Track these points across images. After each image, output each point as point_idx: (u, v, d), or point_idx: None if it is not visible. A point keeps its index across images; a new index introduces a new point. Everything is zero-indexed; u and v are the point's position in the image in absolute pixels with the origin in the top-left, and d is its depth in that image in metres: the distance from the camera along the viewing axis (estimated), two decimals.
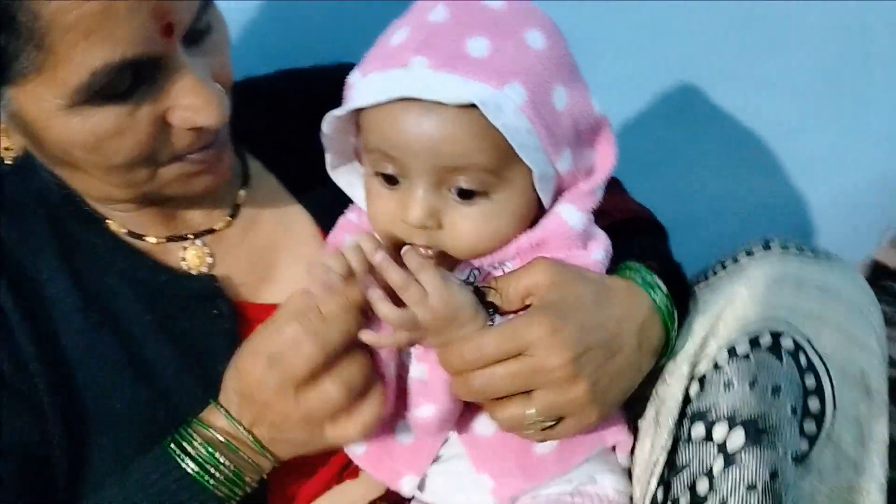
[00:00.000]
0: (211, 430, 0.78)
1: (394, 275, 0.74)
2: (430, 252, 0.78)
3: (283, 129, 0.99)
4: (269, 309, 0.89)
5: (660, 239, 0.97)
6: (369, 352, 0.78)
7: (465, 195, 0.76)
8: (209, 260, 0.91)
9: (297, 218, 0.97)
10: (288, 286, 0.91)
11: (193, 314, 0.87)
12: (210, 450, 0.77)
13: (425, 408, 0.79)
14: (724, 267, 0.87)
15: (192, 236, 0.92)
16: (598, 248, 0.81)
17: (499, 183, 0.76)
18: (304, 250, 0.95)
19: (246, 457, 0.78)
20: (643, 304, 0.80)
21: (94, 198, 0.87)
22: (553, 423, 0.76)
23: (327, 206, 0.93)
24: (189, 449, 0.77)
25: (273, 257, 0.94)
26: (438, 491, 0.84)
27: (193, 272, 0.90)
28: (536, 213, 0.81)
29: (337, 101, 0.80)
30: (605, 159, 0.82)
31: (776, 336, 0.79)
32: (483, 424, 0.81)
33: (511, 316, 0.78)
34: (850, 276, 0.85)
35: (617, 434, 0.83)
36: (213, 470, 0.77)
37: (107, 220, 0.89)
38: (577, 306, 0.76)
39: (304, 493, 0.88)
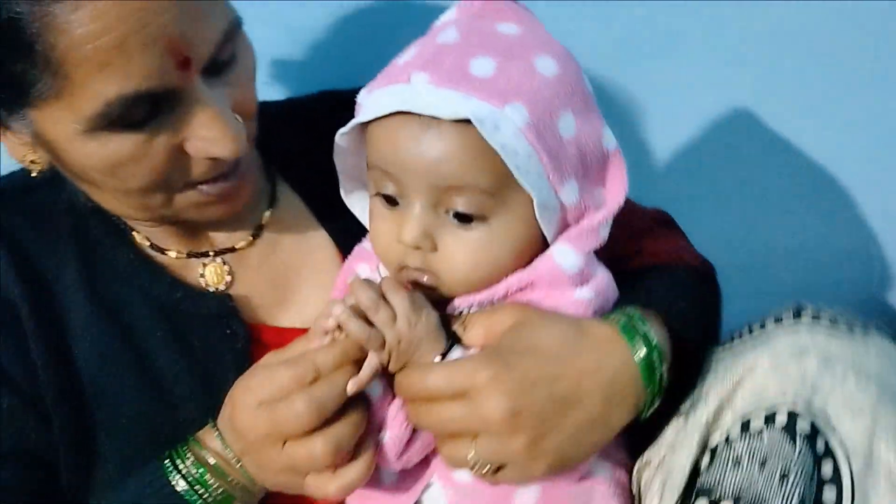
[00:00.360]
0: (205, 450, 0.78)
1: (363, 295, 0.73)
2: (424, 278, 0.77)
3: (315, 152, 0.98)
4: (284, 332, 0.90)
5: (693, 288, 0.89)
6: (366, 407, 0.76)
7: (463, 219, 0.74)
8: (228, 278, 0.92)
9: (319, 242, 0.96)
10: (306, 310, 0.92)
11: (207, 332, 0.88)
12: (201, 471, 0.77)
13: (382, 433, 0.77)
14: (750, 331, 0.81)
15: (212, 253, 0.92)
16: (589, 288, 0.77)
17: (498, 207, 0.74)
18: (324, 276, 0.94)
19: (235, 482, 0.78)
20: (618, 354, 0.75)
21: (117, 214, 0.88)
22: (495, 469, 0.73)
23: (351, 232, 0.92)
24: (181, 467, 0.78)
25: (292, 280, 0.94)
26: None
27: (211, 289, 0.91)
28: (539, 249, 0.78)
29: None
30: (613, 196, 0.78)
31: (793, 416, 0.73)
32: (462, 470, 0.78)
33: (471, 350, 0.76)
34: (889, 356, 0.77)
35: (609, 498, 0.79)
36: (201, 490, 0.77)
37: (132, 233, 0.91)
38: (532, 354, 0.73)
39: None
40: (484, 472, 0.73)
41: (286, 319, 0.92)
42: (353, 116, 0.80)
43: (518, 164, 0.71)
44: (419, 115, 0.72)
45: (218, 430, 0.78)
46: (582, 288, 0.77)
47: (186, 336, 0.87)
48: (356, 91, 1.03)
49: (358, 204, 0.86)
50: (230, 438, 0.77)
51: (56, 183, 0.86)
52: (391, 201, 0.77)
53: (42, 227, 0.88)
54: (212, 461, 0.78)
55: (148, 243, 0.91)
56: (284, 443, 0.74)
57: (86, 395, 0.84)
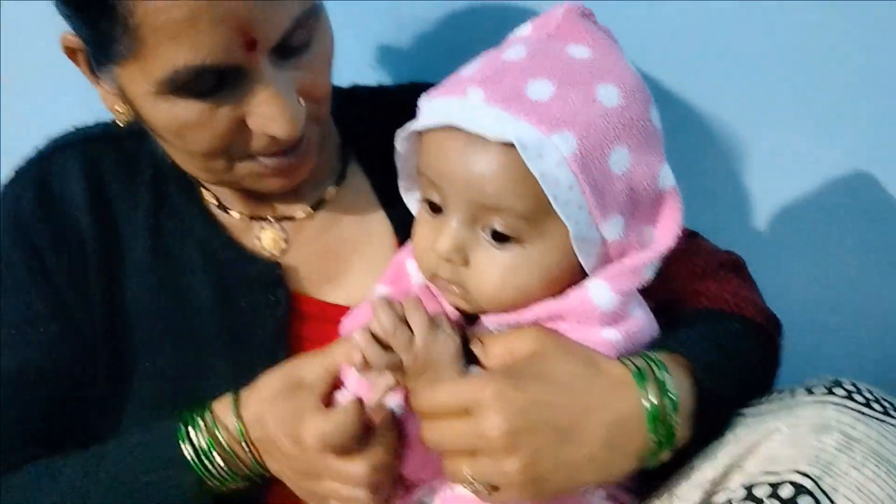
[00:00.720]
0: (218, 427, 0.80)
1: (383, 317, 0.74)
2: (457, 316, 0.78)
3: (391, 139, 1.00)
4: (327, 307, 0.93)
5: (741, 342, 0.84)
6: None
7: (498, 238, 0.74)
8: (283, 245, 0.96)
9: (378, 226, 0.98)
10: (352, 289, 0.95)
11: (252, 296, 0.91)
12: (210, 444, 0.80)
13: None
14: (779, 398, 0.78)
15: (272, 219, 0.96)
16: (619, 329, 0.75)
17: (534, 233, 0.74)
18: (377, 259, 0.96)
19: (242, 464, 0.81)
20: (628, 398, 0.73)
21: (186, 171, 0.94)
22: (491, 488, 0.73)
23: (411, 223, 0.93)
24: (192, 435, 0.81)
25: (344, 258, 0.97)
26: None
27: (266, 253, 0.95)
28: (575, 278, 0.77)
29: None
30: (663, 237, 0.76)
31: (798, 492, 0.70)
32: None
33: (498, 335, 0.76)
34: None
35: None
36: (206, 463, 0.80)
37: (202, 189, 0.96)
38: (542, 380, 0.72)
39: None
40: (480, 490, 0.74)
41: (332, 295, 0.95)
42: None
43: (557, 194, 0.71)
44: (467, 133, 0.72)
45: (239, 416, 0.80)
46: (611, 329, 0.75)
47: (231, 296, 0.91)
48: None
49: (413, 202, 0.88)
50: (251, 431, 0.80)
51: (143, 136, 0.92)
52: (435, 209, 0.78)
53: (126, 172, 0.95)
54: (223, 440, 0.80)
55: (215, 201, 0.96)
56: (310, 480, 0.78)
57: (131, 335, 0.90)
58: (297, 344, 0.91)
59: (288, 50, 0.81)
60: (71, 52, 0.84)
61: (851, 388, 0.75)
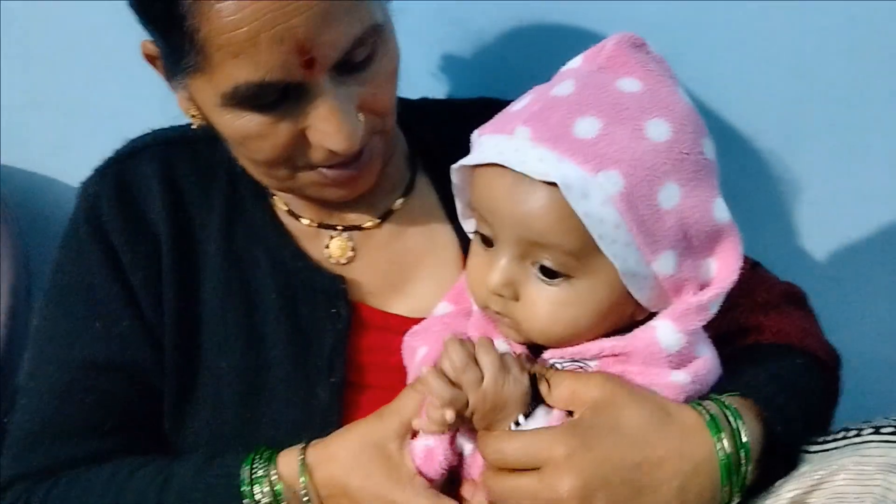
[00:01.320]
0: (283, 483, 0.81)
1: (454, 355, 0.75)
2: (522, 349, 0.79)
3: (461, 153, 1.01)
4: (390, 317, 0.95)
5: (806, 379, 0.84)
6: None
7: (548, 273, 0.75)
8: (350, 254, 0.97)
9: (445, 239, 0.99)
10: (417, 301, 0.96)
11: (315, 305, 0.93)
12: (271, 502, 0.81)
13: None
14: (846, 436, 0.77)
15: (340, 228, 0.98)
16: (687, 371, 0.75)
17: (582, 269, 0.74)
18: (443, 271, 0.97)
19: None
20: (702, 447, 0.73)
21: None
22: None
23: None
24: (255, 489, 0.82)
25: (410, 269, 0.98)
26: None
27: (333, 261, 0.96)
28: (631, 312, 0.77)
29: None
30: (725, 272, 0.76)
31: None
32: None
33: (553, 413, 0.76)
34: None
35: None
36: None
37: (273, 197, 0.98)
38: (613, 434, 0.73)
39: None
40: None
41: (396, 306, 0.96)
42: None
43: (603, 233, 0.71)
44: (513, 172, 0.73)
45: (306, 474, 0.81)
46: (679, 371, 0.76)
47: (296, 304, 0.93)
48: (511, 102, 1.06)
49: (470, 227, 0.89)
50: (344, 490, 0.81)
51: (217, 141, 0.93)
52: (487, 242, 0.79)
53: (201, 176, 0.97)
54: (285, 498, 0.82)
55: (286, 208, 0.98)
56: None
57: (199, 335, 0.92)
58: (359, 354, 0.92)
59: (349, 66, 0.82)
60: (151, 59, 0.88)
61: None
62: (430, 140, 1.03)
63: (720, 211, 0.76)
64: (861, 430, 0.77)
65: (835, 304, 1.00)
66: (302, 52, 0.78)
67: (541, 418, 0.76)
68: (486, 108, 1.06)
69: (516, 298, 0.77)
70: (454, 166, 0.81)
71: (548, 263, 0.74)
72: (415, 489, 0.78)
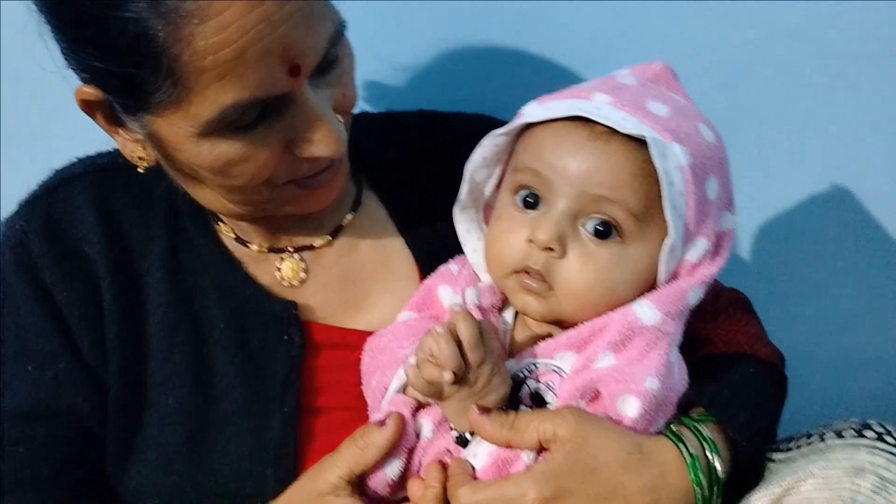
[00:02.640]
0: None
1: (467, 329, 0.74)
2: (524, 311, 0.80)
3: (408, 167, 1.00)
4: (347, 333, 0.92)
5: (760, 389, 0.86)
6: None
7: (601, 234, 0.77)
8: (303, 275, 0.94)
9: (397, 253, 0.97)
10: (373, 315, 0.94)
11: (265, 333, 0.90)
12: None
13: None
14: (808, 442, 0.79)
15: (291, 249, 0.94)
16: (657, 375, 0.75)
17: (636, 233, 0.77)
18: (397, 284, 0.96)
19: None
20: (679, 488, 0.74)
21: (213, 210, 0.91)
22: None
23: (432, 250, 0.94)
24: None
25: (365, 284, 0.96)
26: None
27: (285, 283, 0.93)
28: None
29: (471, 149, 0.83)
30: (711, 268, 0.80)
31: None
32: None
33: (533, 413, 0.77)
34: None
35: None
36: None
37: (218, 224, 0.94)
38: (588, 478, 0.73)
39: None
40: None
41: (352, 321, 0.94)
42: (453, 138, 0.85)
43: (670, 195, 0.75)
44: (591, 126, 0.76)
45: None
46: (654, 378, 0.76)
47: (247, 332, 0.89)
48: (455, 114, 1.05)
49: (464, 222, 0.88)
50: None
51: (159, 168, 0.88)
52: (529, 204, 0.79)
53: (140, 205, 0.91)
54: None
55: (233, 235, 0.94)
56: None
57: (145, 371, 0.88)
58: (314, 375, 0.90)
59: (321, 68, 0.79)
60: (87, 106, 0.81)
61: (881, 429, 0.77)
62: (374, 155, 1.00)
63: (732, 220, 0.82)
64: (823, 434, 0.79)
65: (770, 303, 1.03)
66: (287, 60, 0.74)
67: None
68: (427, 122, 1.06)
69: (563, 256, 0.77)
70: (496, 133, 0.81)
71: (609, 219, 0.76)
72: None
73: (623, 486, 0.73)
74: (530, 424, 0.75)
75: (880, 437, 0.76)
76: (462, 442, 0.79)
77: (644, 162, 0.75)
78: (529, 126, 0.80)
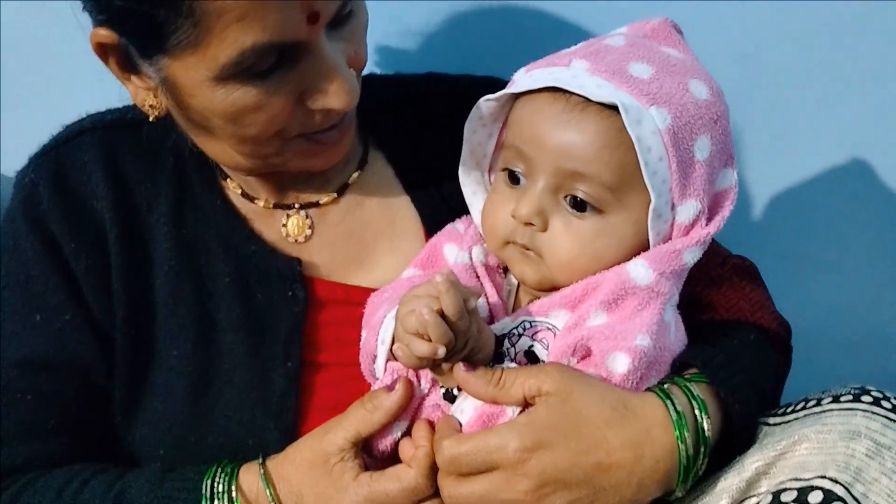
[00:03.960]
0: (243, 499, 0.81)
1: (451, 301, 0.73)
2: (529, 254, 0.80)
3: (416, 128, 1.00)
4: (351, 290, 0.93)
5: (760, 357, 0.86)
6: None
7: (579, 206, 0.77)
8: (308, 231, 0.95)
9: (403, 212, 0.98)
10: (377, 273, 0.95)
11: (270, 289, 0.91)
12: None
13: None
14: (805, 406, 0.79)
15: (297, 206, 0.95)
16: (648, 332, 0.75)
17: (615, 204, 0.77)
18: (402, 243, 0.96)
19: None
20: (664, 445, 0.74)
21: (221, 163, 0.92)
22: None
23: (438, 209, 0.95)
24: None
25: (370, 243, 0.96)
26: None
27: (290, 240, 0.94)
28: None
29: None
30: (707, 228, 0.79)
31: (829, 497, 0.71)
32: None
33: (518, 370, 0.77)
34: None
35: None
36: None
37: (225, 181, 0.95)
38: (571, 432, 0.73)
39: None
40: None
41: (356, 278, 0.94)
42: (462, 101, 0.84)
43: (648, 162, 0.74)
44: (567, 97, 0.76)
45: (269, 486, 0.81)
46: (645, 336, 0.76)
47: (251, 289, 0.90)
48: (463, 77, 1.05)
49: (469, 184, 0.88)
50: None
51: (166, 124, 0.89)
52: (515, 180, 0.80)
53: (146, 161, 0.92)
54: None
55: (240, 191, 0.94)
56: None
57: (152, 324, 0.89)
58: (317, 332, 0.90)
59: (337, 21, 0.80)
60: (101, 50, 0.81)
61: (878, 394, 0.76)
62: (381, 116, 1.00)
63: (733, 176, 0.81)
64: (821, 399, 0.78)
65: (782, 280, 1.02)
66: (306, 7, 0.75)
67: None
68: (435, 85, 1.06)
69: (545, 230, 0.78)
70: (486, 98, 0.81)
71: (581, 195, 0.77)
72: (355, 493, 0.78)
73: (606, 440, 0.73)
74: (516, 381, 0.75)
75: (877, 402, 0.75)
76: (449, 397, 0.80)
77: (618, 130, 0.74)
78: (518, 95, 0.81)
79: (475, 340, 0.76)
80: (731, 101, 0.99)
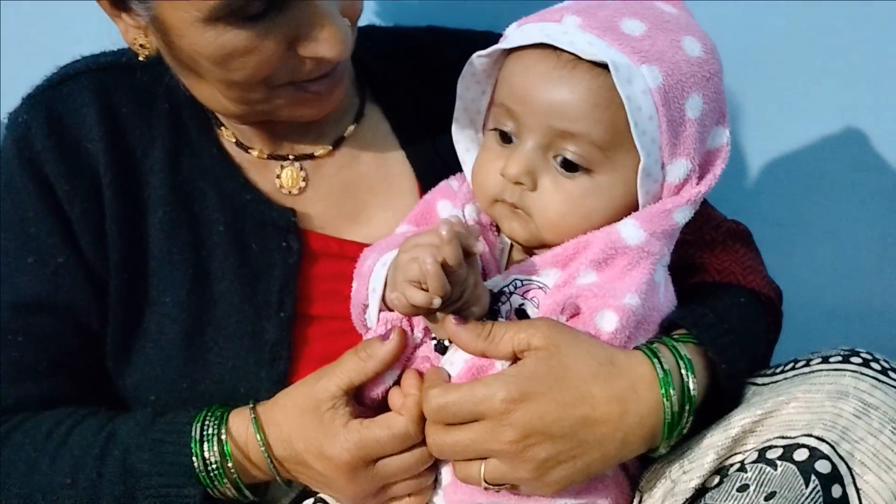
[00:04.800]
0: (232, 443, 0.81)
1: (451, 252, 0.72)
2: (510, 236, 0.81)
3: (414, 82, 0.99)
4: (345, 244, 0.92)
5: (750, 319, 0.86)
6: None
7: (568, 167, 0.77)
8: (302, 184, 0.94)
9: (398, 166, 0.97)
10: (371, 228, 0.94)
11: (264, 239, 0.90)
12: (219, 462, 0.81)
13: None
14: (794, 366, 0.79)
15: (292, 157, 0.94)
16: (637, 292, 0.75)
17: (604, 163, 0.76)
18: (397, 198, 0.96)
19: (254, 477, 0.83)
20: (648, 402, 0.74)
21: (210, 108, 0.91)
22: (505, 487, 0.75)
23: (433, 166, 0.94)
24: (205, 447, 0.81)
25: (365, 197, 0.96)
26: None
27: (284, 191, 0.93)
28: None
29: None
30: (699, 187, 0.79)
31: (814, 455, 0.71)
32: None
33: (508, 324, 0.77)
34: None
35: (612, 493, 0.79)
36: (216, 480, 0.81)
37: (220, 128, 0.94)
38: (557, 385, 0.73)
39: None
40: (498, 490, 0.76)
41: (350, 233, 0.94)
42: (460, 55, 0.83)
43: (638, 121, 0.73)
44: (558, 54, 0.75)
45: (261, 433, 0.81)
46: (634, 295, 0.76)
47: (245, 238, 0.90)
48: (464, 31, 1.04)
49: (462, 141, 0.88)
50: (291, 461, 0.81)
51: (160, 67, 0.88)
52: (506, 139, 0.79)
53: (141, 105, 0.91)
54: (239, 457, 0.81)
55: (234, 140, 0.94)
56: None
57: (145, 269, 0.89)
58: (310, 284, 0.90)
59: None
60: None
61: (868, 356, 0.76)
62: (379, 69, 0.99)
63: (725, 134, 0.80)
64: (810, 360, 0.78)
65: (778, 248, 1.02)
66: None
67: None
68: (435, 38, 1.04)
69: (534, 189, 0.78)
70: (478, 53, 0.80)
71: (570, 156, 0.76)
72: (344, 439, 0.78)
73: (591, 394, 0.73)
74: (506, 335, 0.75)
75: (866, 364, 0.75)
76: (441, 349, 0.80)
77: (608, 89, 0.73)
78: (509, 51, 0.80)
79: (471, 293, 0.75)
80: (730, 65, 0.98)
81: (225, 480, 0.81)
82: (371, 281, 0.81)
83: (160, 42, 0.83)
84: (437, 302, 0.72)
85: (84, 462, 0.82)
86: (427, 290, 0.72)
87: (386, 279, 0.78)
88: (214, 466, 0.80)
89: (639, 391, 0.74)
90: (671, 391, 0.74)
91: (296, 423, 0.80)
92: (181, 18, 0.77)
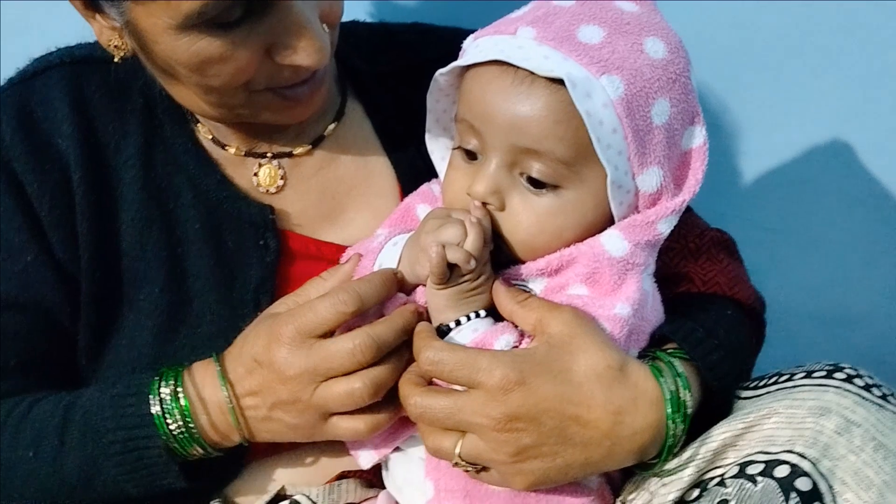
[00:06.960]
0: (194, 387, 0.79)
1: (475, 234, 0.73)
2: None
3: (397, 81, 0.98)
4: (322, 246, 0.91)
5: (737, 330, 0.84)
6: (406, 353, 0.77)
7: (535, 184, 0.74)
8: (280, 182, 0.92)
9: (379, 169, 0.95)
10: (350, 229, 0.93)
11: (241, 237, 0.88)
12: (179, 405, 0.78)
13: None
14: (777, 380, 0.77)
15: (270, 155, 0.92)
16: (628, 302, 0.74)
17: (571, 179, 0.74)
18: (376, 200, 0.94)
19: (215, 430, 0.80)
20: (648, 417, 0.72)
21: (190, 110, 0.89)
22: (477, 468, 0.73)
23: (415, 168, 0.92)
24: (166, 393, 0.79)
25: (343, 197, 0.94)
26: (395, 479, 0.83)
27: (261, 191, 0.91)
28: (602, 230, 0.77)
29: None
30: (680, 196, 0.76)
31: (795, 472, 0.70)
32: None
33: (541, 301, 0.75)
34: None
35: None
36: (171, 424, 0.78)
37: (196, 125, 0.91)
38: (560, 378, 0.71)
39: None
40: (467, 469, 0.73)
41: (328, 234, 0.92)
42: (446, 53, 0.81)
43: (601, 136, 0.71)
44: (515, 70, 0.72)
45: (221, 367, 0.79)
46: (625, 300, 0.74)
47: (222, 235, 0.88)
48: (449, 29, 1.02)
49: (438, 150, 0.86)
50: (247, 374, 0.78)
51: (136, 64, 0.86)
52: (471, 155, 0.77)
53: (114, 99, 0.89)
54: (196, 400, 0.79)
55: (210, 136, 0.91)
56: (316, 390, 0.75)
57: (119, 267, 0.87)
58: (287, 284, 0.88)
59: None
60: None
61: (852, 371, 0.75)
62: (362, 66, 0.97)
63: (699, 135, 0.77)
64: (793, 374, 0.77)
65: (765, 254, 1.01)
66: None
67: (483, 322, 0.76)
68: (420, 35, 1.03)
69: (502, 209, 0.75)
70: (440, 71, 0.78)
71: (536, 174, 0.73)
72: (295, 347, 0.75)
73: (592, 395, 0.71)
74: (534, 307, 0.74)
75: (849, 379, 0.74)
76: (441, 333, 0.77)
77: (569, 104, 0.70)
78: (468, 66, 0.76)
79: (485, 280, 0.75)
80: (721, 71, 0.97)
81: (190, 426, 0.78)
82: (380, 256, 0.80)
83: (136, 45, 0.81)
84: (472, 264, 0.71)
85: (46, 431, 0.80)
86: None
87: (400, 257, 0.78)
88: (168, 400, 0.78)
89: (639, 405, 0.72)
90: (677, 414, 0.72)
91: (250, 331, 0.79)
92: (154, 24, 0.75)
